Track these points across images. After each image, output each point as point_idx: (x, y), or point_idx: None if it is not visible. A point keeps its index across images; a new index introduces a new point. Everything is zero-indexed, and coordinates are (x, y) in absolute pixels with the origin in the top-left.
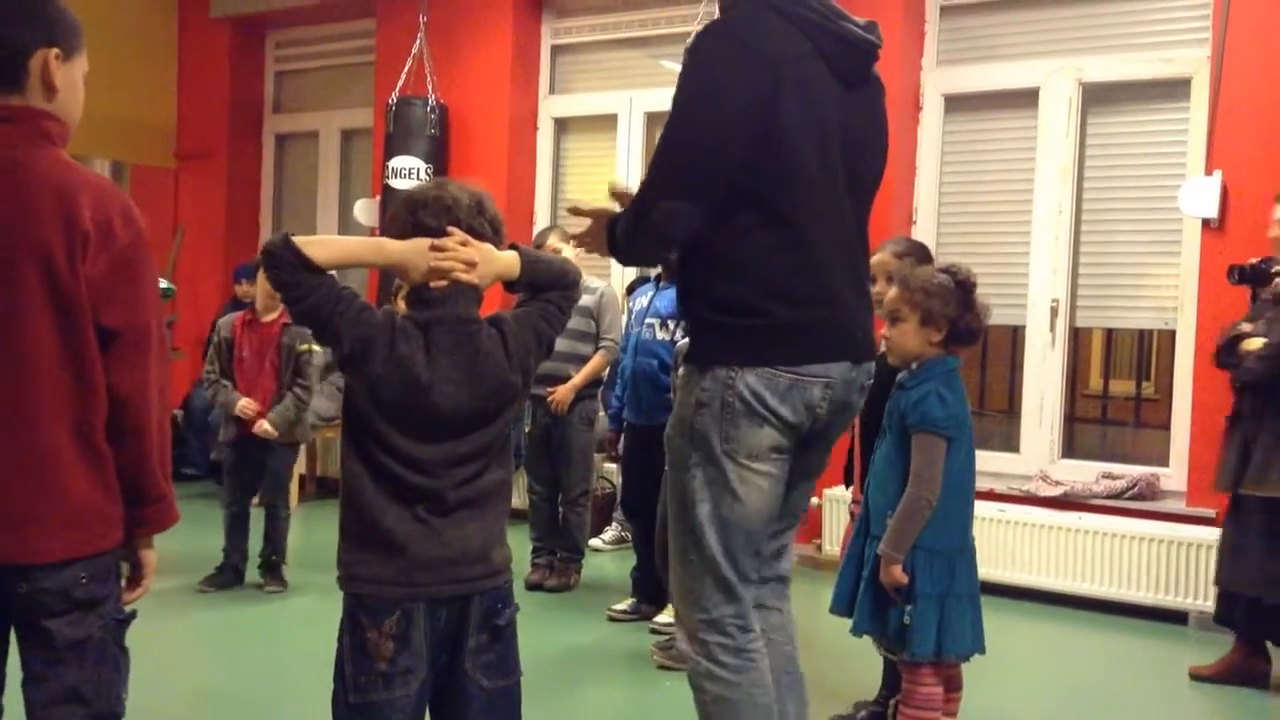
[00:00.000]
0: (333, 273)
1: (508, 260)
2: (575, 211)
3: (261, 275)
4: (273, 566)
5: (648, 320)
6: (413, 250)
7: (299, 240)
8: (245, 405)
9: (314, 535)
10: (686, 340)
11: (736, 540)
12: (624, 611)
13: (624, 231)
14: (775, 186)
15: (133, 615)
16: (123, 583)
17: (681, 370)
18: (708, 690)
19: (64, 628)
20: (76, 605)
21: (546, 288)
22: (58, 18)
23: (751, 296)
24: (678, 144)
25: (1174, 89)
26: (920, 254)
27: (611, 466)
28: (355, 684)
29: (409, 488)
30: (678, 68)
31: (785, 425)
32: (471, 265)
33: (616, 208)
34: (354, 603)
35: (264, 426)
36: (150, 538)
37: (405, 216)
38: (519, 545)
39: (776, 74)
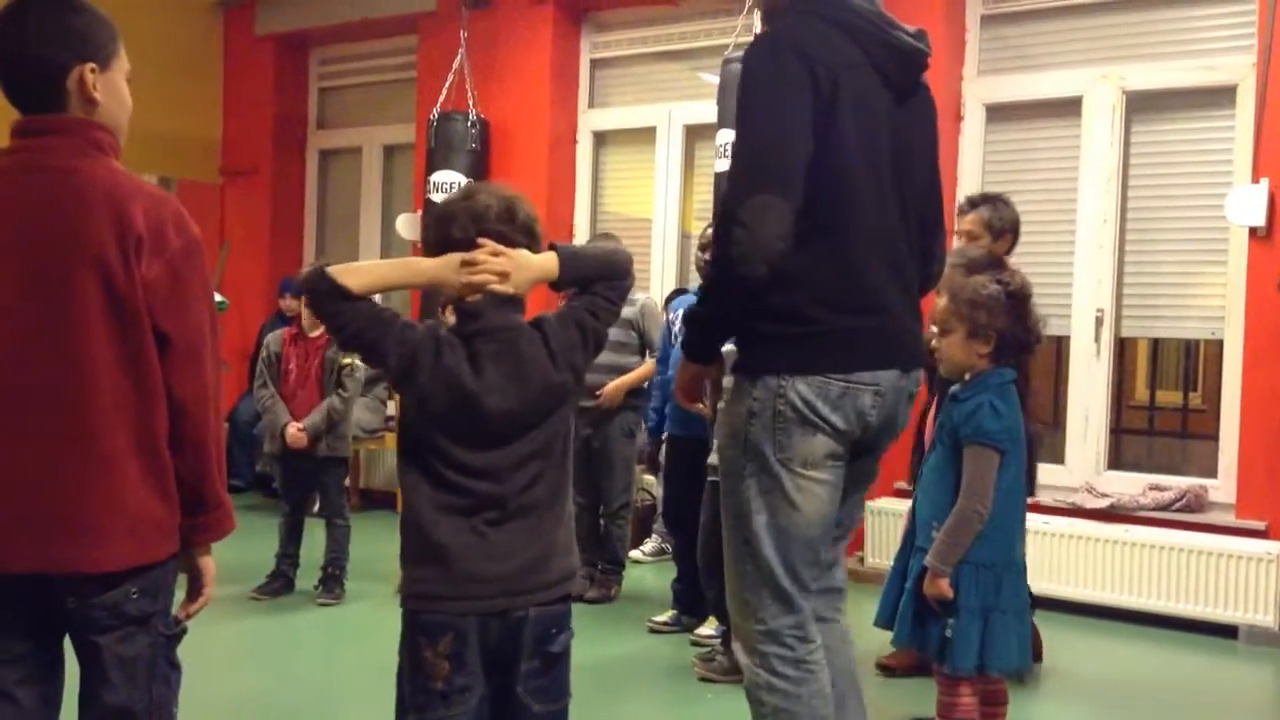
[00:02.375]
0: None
1: (544, 264)
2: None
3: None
4: (330, 579)
5: None
6: (444, 267)
7: (334, 271)
8: (294, 436)
9: (360, 547)
10: (726, 349)
11: (795, 549)
12: (665, 623)
13: (710, 271)
14: (826, 195)
15: (183, 631)
16: (179, 595)
17: (730, 379)
18: (767, 702)
19: (114, 644)
20: (127, 621)
21: (594, 280)
22: (88, 30)
23: (802, 305)
24: (754, 143)
25: (1219, 97)
26: (986, 264)
27: (651, 479)
28: (414, 703)
29: (472, 495)
30: (716, 80)
31: (837, 433)
32: (504, 275)
33: None
34: (411, 621)
35: (296, 436)
36: (208, 546)
37: (435, 233)
38: None
39: (833, 80)
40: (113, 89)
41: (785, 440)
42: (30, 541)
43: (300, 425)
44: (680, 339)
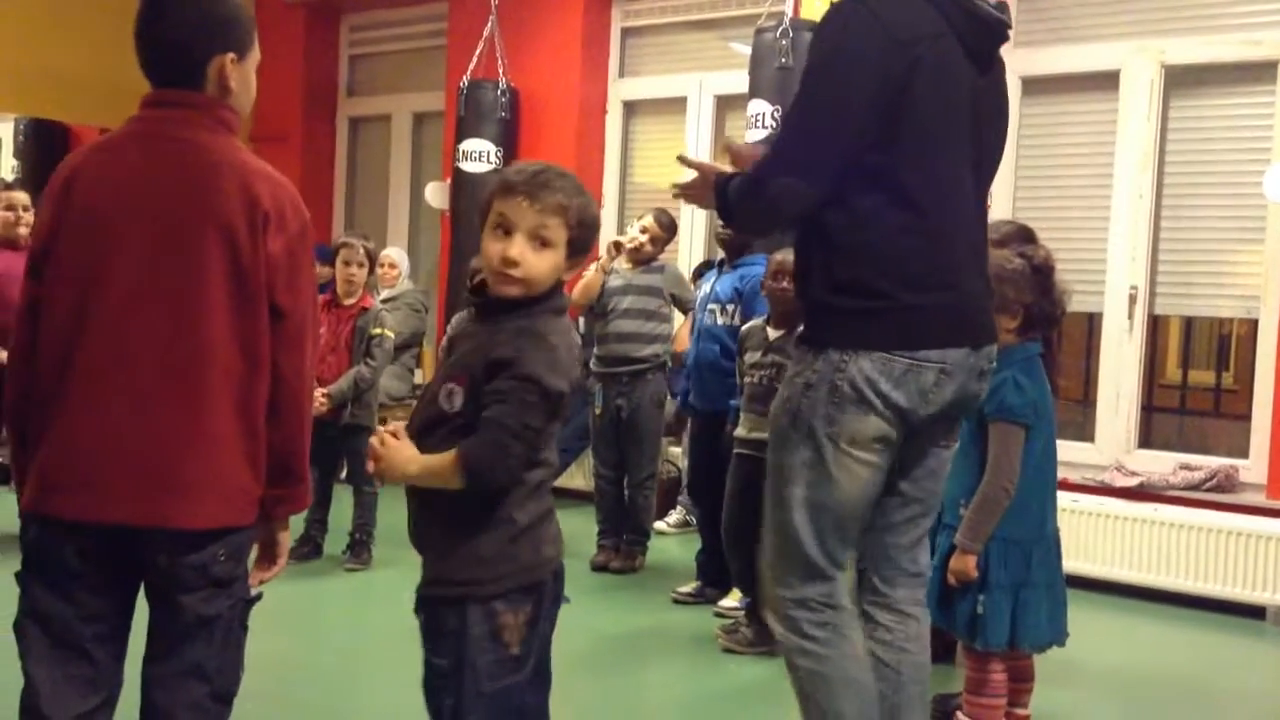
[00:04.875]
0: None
1: None
2: (684, 161)
3: (339, 262)
4: (358, 545)
5: (709, 306)
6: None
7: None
8: (318, 402)
9: (387, 514)
10: (751, 324)
11: (826, 524)
12: (689, 594)
13: (737, 197)
14: (905, 168)
15: (258, 597)
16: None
17: (772, 351)
18: (801, 666)
19: (197, 604)
20: (212, 582)
21: None
22: (233, 21)
23: (874, 279)
24: (802, 123)
25: (1260, 72)
26: (1015, 237)
27: (676, 450)
28: (490, 672)
29: (552, 469)
30: (748, 51)
31: (896, 413)
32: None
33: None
34: (493, 595)
35: (319, 401)
36: (287, 519)
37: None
38: (586, 527)
39: (911, 54)
40: (245, 79)
41: (837, 415)
42: (129, 495)
43: (325, 391)
44: (729, 199)
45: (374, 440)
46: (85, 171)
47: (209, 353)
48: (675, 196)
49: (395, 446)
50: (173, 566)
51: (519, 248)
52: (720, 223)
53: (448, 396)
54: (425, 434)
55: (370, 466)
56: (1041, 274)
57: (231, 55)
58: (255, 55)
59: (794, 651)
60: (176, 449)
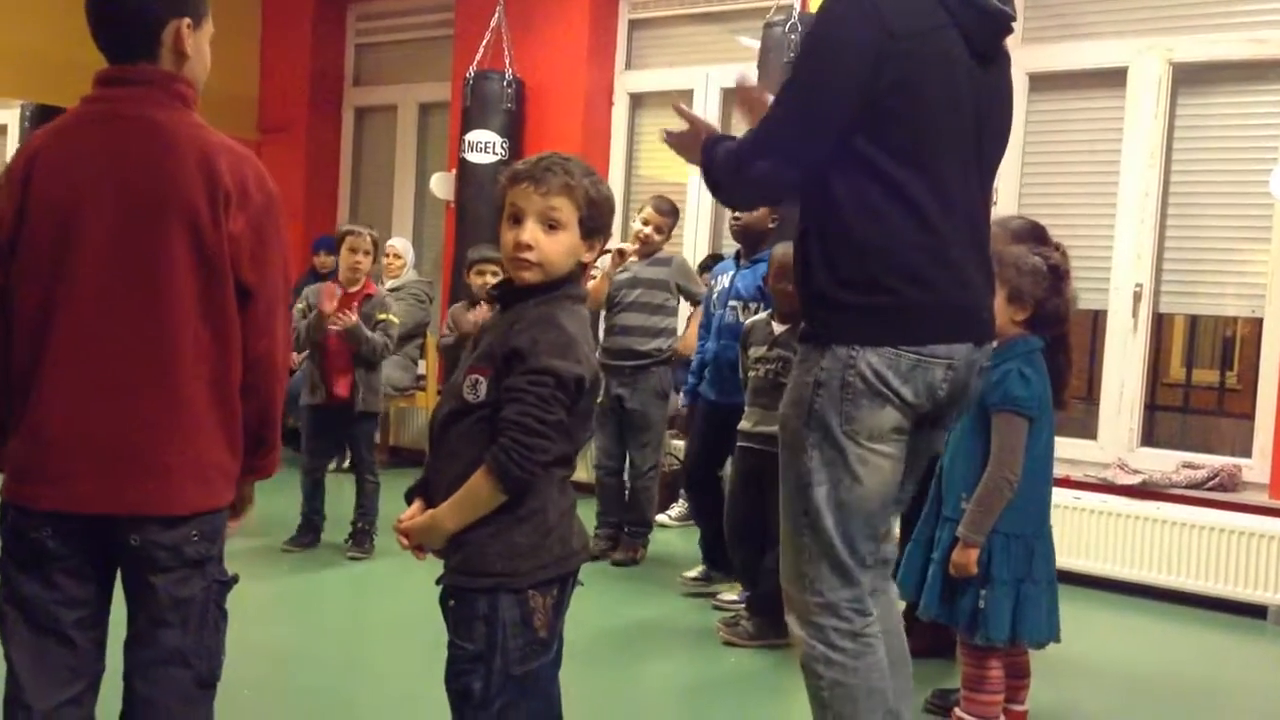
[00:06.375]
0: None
1: None
2: (679, 111)
3: (344, 249)
4: (360, 534)
5: (730, 303)
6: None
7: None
8: (329, 291)
9: (389, 504)
10: (756, 318)
11: (855, 523)
12: (695, 579)
13: (722, 169)
14: (908, 163)
15: (235, 579)
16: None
17: (777, 346)
18: (824, 675)
19: (171, 585)
20: (186, 563)
21: None
22: None
23: (879, 274)
24: (788, 107)
25: (1267, 71)
26: (1028, 234)
27: (679, 443)
28: (520, 655)
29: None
30: (755, 44)
31: (906, 406)
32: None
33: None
34: (523, 584)
35: (342, 318)
36: (253, 482)
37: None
38: (586, 518)
39: (903, 48)
40: (200, 49)
41: (853, 411)
42: (106, 483)
43: (355, 318)
44: (715, 163)
45: (399, 539)
46: (45, 157)
47: (179, 336)
48: (663, 141)
49: (417, 525)
50: (145, 547)
51: (530, 232)
52: (731, 216)
53: (472, 387)
54: (451, 424)
55: (415, 552)
56: (1056, 275)
57: (187, 20)
58: (209, 28)
59: (818, 660)
60: (151, 435)
